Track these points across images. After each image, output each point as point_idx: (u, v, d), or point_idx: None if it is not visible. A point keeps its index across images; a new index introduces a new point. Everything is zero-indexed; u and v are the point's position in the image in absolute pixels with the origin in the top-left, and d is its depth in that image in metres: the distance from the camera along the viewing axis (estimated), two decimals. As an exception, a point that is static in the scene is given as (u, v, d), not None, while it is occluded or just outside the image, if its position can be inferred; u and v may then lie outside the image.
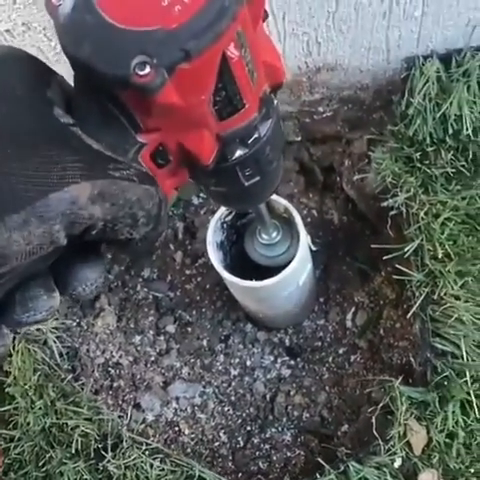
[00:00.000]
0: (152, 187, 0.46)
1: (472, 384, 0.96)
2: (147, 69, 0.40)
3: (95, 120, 0.46)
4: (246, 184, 0.60)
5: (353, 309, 1.30)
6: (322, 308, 1.32)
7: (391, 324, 1.23)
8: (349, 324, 1.29)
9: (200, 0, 0.41)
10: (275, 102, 0.56)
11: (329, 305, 1.32)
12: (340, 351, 1.27)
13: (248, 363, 1.28)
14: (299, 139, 1.29)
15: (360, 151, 1.25)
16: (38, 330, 1.15)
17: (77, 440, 1.06)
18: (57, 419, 1.09)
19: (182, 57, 0.41)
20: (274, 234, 0.99)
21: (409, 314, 1.02)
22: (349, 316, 1.30)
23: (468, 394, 0.95)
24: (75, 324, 1.29)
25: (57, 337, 1.19)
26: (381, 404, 1.01)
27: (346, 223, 1.38)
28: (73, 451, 1.06)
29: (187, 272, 1.35)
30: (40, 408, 1.11)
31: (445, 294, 0.99)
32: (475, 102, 1.00)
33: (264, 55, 0.49)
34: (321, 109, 1.19)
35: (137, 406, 1.24)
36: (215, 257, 0.98)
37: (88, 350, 1.26)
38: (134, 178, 0.44)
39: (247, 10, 0.44)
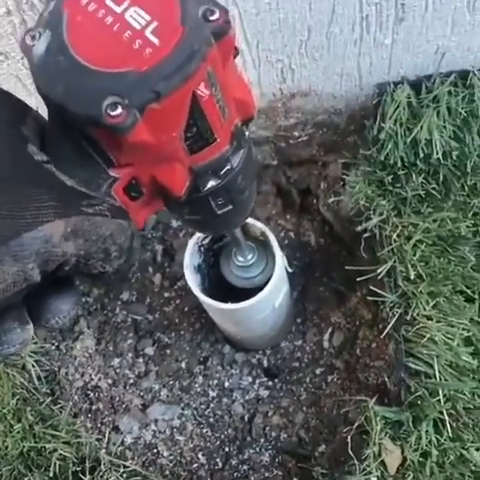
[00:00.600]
0: (124, 221, 0.47)
1: (445, 403, 0.97)
2: (119, 110, 0.42)
3: (68, 156, 0.47)
4: (218, 212, 0.61)
5: (330, 330, 1.31)
6: (300, 329, 1.33)
7: (367, 344, 1.24)
8: (326, 344, 1.30)
9: (170, 43, 0.43)
10: (246, 133, 0.58)
11: (306, 326, 1.33)
12: (317, 371, 1.28)
13: (226, 384, 1.29)
14: (275, 163, 1.31)
15: (335, 174, 1.28)
16: (16, 355, 1.15)
17: (55, 463, 1.06)
18: (35, 443, 1.09)
19: (153, 98, 0.42)
20: (250, 256, 1.01)
21: (383, 334, 1.04)
22: (326, 336, 1.31)
23: (441, 413, 0.96)
24: (54, 347, 1.30)
25: (36, 361, 1.19)
26: (356, 424, 1.02)
27: (323, 245, 1.40)
28: (51, 474, 1.06)
29: (166, 295, 1.36)
30: (18, 432, 1.11)
31: (418, 314, 1.00)
32: (445, 127, 1.03)
33: (235, 91, 0.51)
34: (296, 133, 1.21)
35: (116, 428, 1.24)
36: (192, 280, 0.99)
37: (67, 373, 1.27)
38: (107, 213, 0.45)
39: (217, 50, 0.45)
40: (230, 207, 0.62)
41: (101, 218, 0.45)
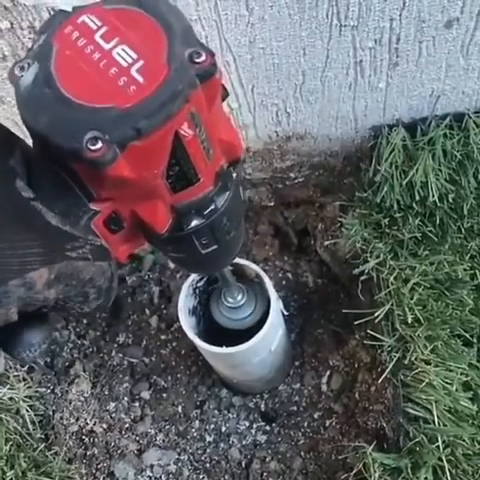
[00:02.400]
0: (105, 262, 0.48)
1: (444, 449, 0.95)
2: (99, 144, 0.42)
3: (50, 187, 0.48)
4: (203, 252, 0.61)
5: (328, 373, 1.29)
6: (298, 372, 1.32)
7: (366, 388, 1.23)
8: (324, 388, 1.29)
9: (155, 82, 0.44)
10: (234, 175, 0.58)
11: (304, 369, 1.32)
12: (315, 416, 1.26)
13: (223, 429, 1.27)
14: (272, 204, 1.31)
15: (333, 215, 1.27)
16: (10, 399, 1.14)
17: (48, 512, 1.04)
18: (28, 490, 1.07)
19: (134, 135, 0.43)
20: (239, 297, 1.00)
21: (380, 379, 1.02)
22: (324, 380, 1.29)
23: (440, 460, 0.94)
24: (49, 391, 1.28)
25: (30, 405, 1.17)
26: (355, 471, 1.00)
27: (321, 286, 1.39)
28: (44, 523, 1.04)
29: (162, 337, 1.35)
30: (11, 479, 1.08)
31: (416, 359, 0.99)
32: (440, 169, 1.02)
33: (221, 133, 0.51)
34: (293, 175, 1.21)
35: (111, 474, 1.22)
36: (187, 323, 0.98)
37: (62, 418, 1.25)
38: (89, 256, 0.45)
39: (202, 92, 0.46)
40: (215, 247, 0.62)
41: (83, 262, 0.45)
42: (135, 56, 0.45)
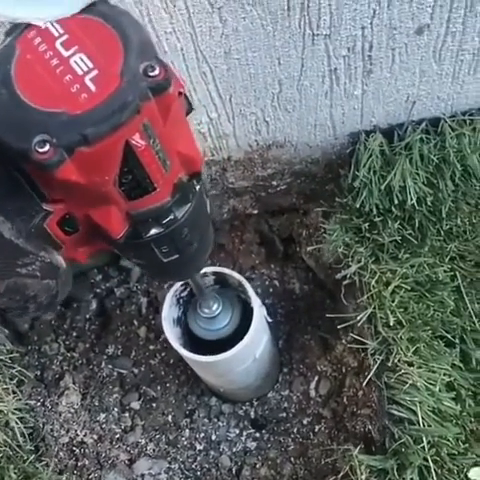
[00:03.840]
0: (52, 280, 0.48)
1: (429, 450, 0.96)
2: (46, 147, 0.44)
3: (3, 186, 0.49)
4: (164, 260, 0.62)
5: (316, 378, 1.31)
6: (286, 378, 1.33)
7: (354, 392, 1.24)
8: (313, 394, 1.30)
9: (106, 92, 0.45)
10: (197, 187, 0.59)
11: (293, 375, 1.33)
12: (304, 421, 1.27)
13: (213, 437, 1.28)
14: (256, 212, 1.32)
15: (316, 222, 1.29)
16: (0, 412, 1.15)
17: (38, 524, 1.04)
18: (18, 503, 1.08)
19: (80, 141, 0.44)
20: (214, 306, 1.01)
21: (364, 382, 1.04)
22: (313, 385, 1.30)
23: (425, 460, 0.95)
24: (39, 404, 1.29)
25: (20, 418, 1.18)
26: (341, 473, 1.01)
27: (307, 292, 1.40)
28: None
29: (151, 347, 1.36)
30: (1, 492, 1.09)
31: (399, 361, 1.00)
32: (418, 173, 1.04)
33: (178, 145, 0.52)
34: (275, 183, 1.23)
35: (102, 485, 1.23)
36: (171, 333, 0.99)
37: (52, 430, 1.26)
38: (38, 273, 0.46)
39: (155, 105, 0.47)
40: (176, 256, 0.62)
41: (31, 280, 0.46)
42: (91, 65, 0.47)
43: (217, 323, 1.02)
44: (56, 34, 0.48)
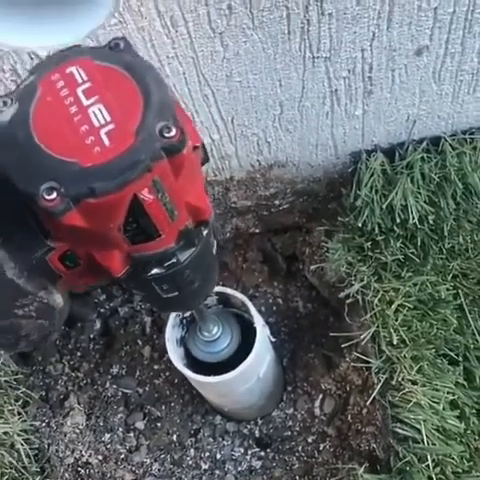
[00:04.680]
0: (46, 321, 0.49)
1: (434, 468, 0.96)
2: (53, 195, 0.44)
3: (9, 218, 0.49)
4: (164, 296, 0.61)
5: (321, 396, 1.31)
6: (290, 397, 1.33)
7: (358, 410, 1.24)
8: (317, 412, 1.30)
9: (119, 148, 0.45)
10: (204, 232, 0.58)
11: (297, 394, 1.33)
12: (309, 440, 1.27)
13: (218, 456, 1.28)
14: (258, 231, 1.33)
15: (319, 240, 1.29)
16: (5, 434, 1.15)
17: None
18: (24, 525, 1.08)
19: (88, 193, 0.44)
20: (214, 330, 1.01)
21: (368, 401, 1.04)
22: (317, 404, 1.30)
23: (430, 478, 0.95)
24: (44, 425, 1.29)
25: (25, 439, 1.18)
26: (347, 493, 1.01)
27: (311, 310, 1.40)
28: None
29: (155, 367, 1.36)
30: (7, 513, 1.09)
31: (403, 379, 1.00)
32: (419, 192, 1.05)
33: (188, 197, 0.52)
34: (277, 202, 1.23)
35: (108, 506, 1.23)
36: (174, 353, 1.00)
37: (57, 450, 1.26)
38: (33, 314, 0.47)
39: (168, 163, 0.47)
40: (176, 293, 0.62)
41: (26, 321, 0.47)
42: (108, 118, 0.46)
43: (217, 346, 1.02)
44: (79, 80, 0.48)
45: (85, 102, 0.47)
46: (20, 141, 0.46)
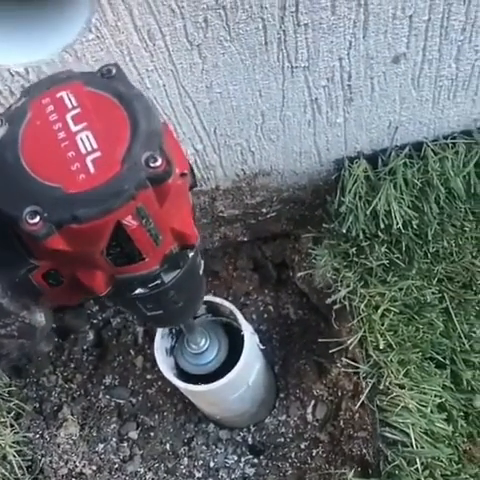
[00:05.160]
0: (27, 340, 0.50)
1: (423, 471, 0.97)
2: (36, 219, 0.44)
3: None
4: (148, 314, 0.62)
5: (313, 402, 1.31)
6: (283, 403, 1.34)
7: (350, 415, 1.25)
8: (310, 418, 1.30)
9: (104, 176, 0.46)
10: (190, 254, 0.58)
11: (289, 400, 1.33)
12: (302, 446, 1.28)
13: (212, 464, 1.28)
14: (246, 239, 1.33)
15: (308, 247, 1.30)
16: None
17: None
18: None
19: (70, 220, 0.45)
20: (202, 342, 1.02)
21: (357, 405, 1.04)
22: (309, 410, 1.31)
23: (419, 482, 0.96)
24: (38, 436, 1.30)
25: (18, 451, 1.19)
26: (337, 498, 1.01)
27: (302, 317, 1.41)
28: None
29: (148, 377, 1.37)
30: (0, 526, 1.10)
31: (390, 383, 1.01)
32: (403, 198, 1.05)
33: (173, 223, 0.52)
34: (264, 210, 1.24)
35: (102, 516, 1.23)
36: (163, 363, 1.00)
37: (51, 461, 1.26)
38: (15, 333, 0.48)
39: (152, 192, 0.47)
40: (160, 312, 0.62)
41: (7, 341, 0.47)
42: (95, 146, 0.47)
43: (204, 358, 1.02)
44: (69, 106, 0.49)
45: (73, 128, 0.48)
46: (7, 162, 0.47)
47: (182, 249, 0.57)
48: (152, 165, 0.46)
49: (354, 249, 1.08)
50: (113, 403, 1.35)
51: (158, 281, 0.57)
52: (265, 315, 1.42)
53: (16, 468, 1.15)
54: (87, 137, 0.47)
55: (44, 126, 0.48)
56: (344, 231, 1.07)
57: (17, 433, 1.20)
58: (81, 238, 0.46)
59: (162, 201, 0.49)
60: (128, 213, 0.46)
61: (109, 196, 0.45)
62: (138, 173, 0.46)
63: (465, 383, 1.03)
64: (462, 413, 1.01)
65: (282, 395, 1.34)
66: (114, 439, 1.31)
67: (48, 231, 0.44)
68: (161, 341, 1.02)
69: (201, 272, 0.65)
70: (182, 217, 0.54)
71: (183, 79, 0.90)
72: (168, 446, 1.30)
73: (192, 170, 0.55)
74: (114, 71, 0.51)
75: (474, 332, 1.05)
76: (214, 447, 1.30)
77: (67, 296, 0.55)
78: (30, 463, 1.22)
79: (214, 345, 1.03)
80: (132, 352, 1.40)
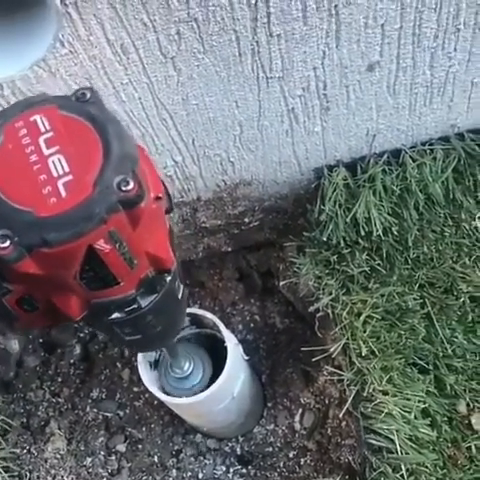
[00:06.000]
0: (2, 366, 0.50)
1: (408, 477, 0.97)
2: (7, 243, 0.44)
3: None
4: (126, 339, 0.61)
5: (300, 411, 1.31)
6: (271, 413, 1.34)
7: (337, 423, 1.24)
8: (297, 427, 1.30)
9: (75, 200, 0.46)
10: (167, 279, 0.58)
11: (277, 409, 1.33)
12: (290, 455, 1.28)
13: (201, 475, 1.28)
14: (231, 249, 1.34)
15: (291, 256, 1.30)
16: None
17: None
18: None
19: (41, 243, 0.45)
20: (186, 366, 1.01)
21: (341, 413, 1.05)
22: (297, 418, 1.31)
23: (404, 488, 0.96)
24: (25, 451, 1.29)
25: (5, 467, 1.18)
26: (323, 506, 1.01)
27: (288, 325, 1.41)
28: None
29: (135, 389, 1.37)
30: None
31: (374, 390, 1.01)
32: (382, 204, 1.06)
33: (148, 246, 0.52)
34: (247, 220, 1.25)
35: None
36: (146, 376, 1.00)
37: (38, 477, 1.26)
38: None
39: (125, 216, 0.47)
40: (138, 336, 0.62)
41: None
42: (67, 169, 0.47)
43: (189, 382, 1.02)
44: (42, 129, 0.49)
45: (46, 151, 0.48)
46: None
47: (158, 273, 0.56)
48: (124, 189, 0.46)
49: (335, 257, 1.09)
50: (100, 416, 1.35)
51: (135, 305, 0.56)
52: (251, 324, 1.43)
53: (3, 485, 1.15)
54: (59, 160, 0.47)
55: (16, 149, 0.48)
56: (325, 239, 1.08)
57: (3, 449, 1.20)
58: (53, 262, 0.46)
59: (135, 225, 0.49)
60: (100, 237, 0.46)
61: (80, 220, 0.45)
62: (110, 196, 0.46)
63: (448, 388, 1.03)
64: (446, 418, 1.02)
65: (270, 404, 1.34)
66: (102, 452, 1.31)
67: (19, 255, 0.44)
68: (144, 355, 1.02)
69: (180, 296, 0.65)
70: (157, 241, 0.54)
71: (158, 92, 0.90)
72: (156, 458, 1.30)
73: (168, 194, 0.55)
74: (89, 95, 0.51)
75: (456, 337, 1.05)
76: (202, 458, 1.30)
77: (42, 322, 0.55)
78: (17, 479, 1.21)
79: (198, 368, 1.02)
80: (119, 365, 1.39)
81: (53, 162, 0.47)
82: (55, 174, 0.47)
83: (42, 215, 0.45)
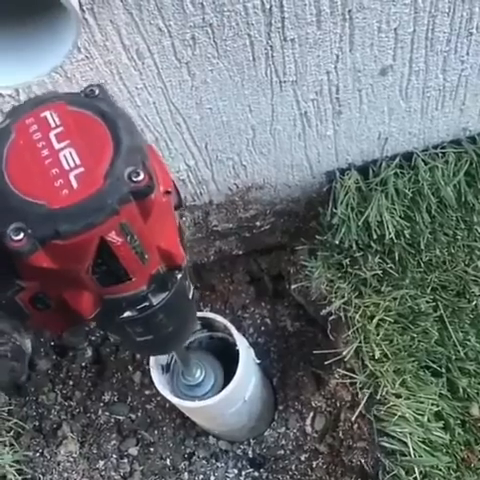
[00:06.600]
0: (18, 363, 0.50)
1: (422, 480, 0.97)
2: (20, 235, 0.45)
3: None
4: (137, 340, 0.62)
5: (312, 414, 1.31)
6: (282, 416, 1.34)
7: (349, 426, 1.25)
8: (309, 430, 1.31)
9: (87, 191, 0.46)
10: (178, 276, 0.59)
11: (288, 412, 1.33)
12: (302, 458, 1.28)
13: (212, 478, 1.29)
14: (242, 252, 1.34)
15: (303, 259, 1.31)
16: None
17: None
18: None
19: (54, 235, 0.45)
20: (197, 373, 1.01)
21: (354, 416, 1.05)
22: (308, 421, 1.31)
23: (418, 491, 0.96)
24: (38, 454, 1.30)
25: (18, 470, 1.18)
26: (336, 509, 1.01)
27: (299, 328, 1.42)
28: None
29: (147, 392, 1.37)
30: None
31: (387, 393, 1.01)
32: (394, 208, 1.06)
33: (160, 241, 0.53)
34: (258, 223, 1.25)
35: None
36: (158, 380, 1.00)
37: (51, 480, 1.26)
38: (8, 354, 0.48)
39: (136, 207, 0.48)
40: (150, 337, 0.62)
41: (1, 360, 0.48)
42: (78, 162, 0.47)
43: (200, 390, 1.02)
44: (52, 125, 0.49)
45: (57, 146, 0.48)
46: None
47: (169, 270, 0.57)
48: (135, 179, 0.47)
49: (348, 260, 1.09)
50: (112, 419, 1.35)
51: (146, 303, 0.57)
52: (262, 328, 1.43)
53: (16, 487, 1.15)
54: (70, 154, 0.48)
55: (28, 144, 0.49)
56: (337, 242, 1.08)
57: (17, 452, 1.20)
58: (65, 254, 0.47)
59: (146, 217, 0.49)
60: (112, 228, 0.47)
61: (92, 211, 0.46)
62: (121, 187, 0.47)
63: (461, 391, 1.03)
64: (459, 421, 1.02)
65: (281, 407, 1.34)
66: (114, 456, 1.31)
67: (32, 247, 0.45)
68: (156, 359, 1.03)
69: (190, 296, 0.65)
70: (168, 236, 0.55)
71: (173, 96, 0.91)
72: (168, 461, 1.30)
73: (177, 190, 0.56)
74: (97, 91, 0.52)
75: (469, 340, 1.05)
76: (214, 461, 1.30)
77: (54, 322, 0.55)
78: (30, 482, 1.22)
79: (210, 376, 1.03)
80: (130, 368, 1.40)
81: (64, 156, 0.48)
82: (66, 167, 0.47)
83: (55, 207, 0.46)
